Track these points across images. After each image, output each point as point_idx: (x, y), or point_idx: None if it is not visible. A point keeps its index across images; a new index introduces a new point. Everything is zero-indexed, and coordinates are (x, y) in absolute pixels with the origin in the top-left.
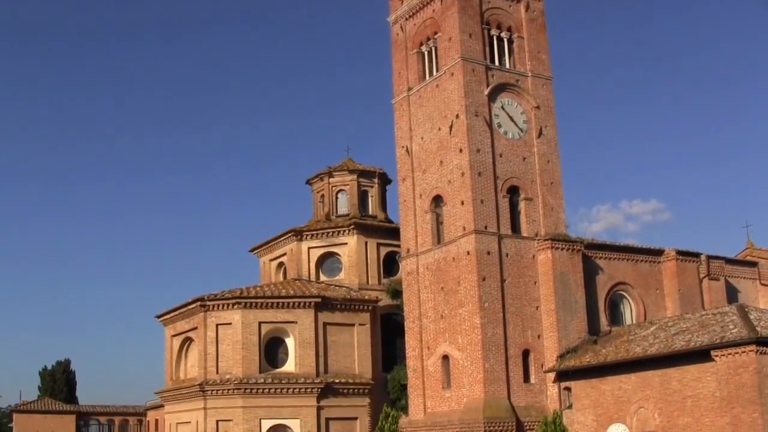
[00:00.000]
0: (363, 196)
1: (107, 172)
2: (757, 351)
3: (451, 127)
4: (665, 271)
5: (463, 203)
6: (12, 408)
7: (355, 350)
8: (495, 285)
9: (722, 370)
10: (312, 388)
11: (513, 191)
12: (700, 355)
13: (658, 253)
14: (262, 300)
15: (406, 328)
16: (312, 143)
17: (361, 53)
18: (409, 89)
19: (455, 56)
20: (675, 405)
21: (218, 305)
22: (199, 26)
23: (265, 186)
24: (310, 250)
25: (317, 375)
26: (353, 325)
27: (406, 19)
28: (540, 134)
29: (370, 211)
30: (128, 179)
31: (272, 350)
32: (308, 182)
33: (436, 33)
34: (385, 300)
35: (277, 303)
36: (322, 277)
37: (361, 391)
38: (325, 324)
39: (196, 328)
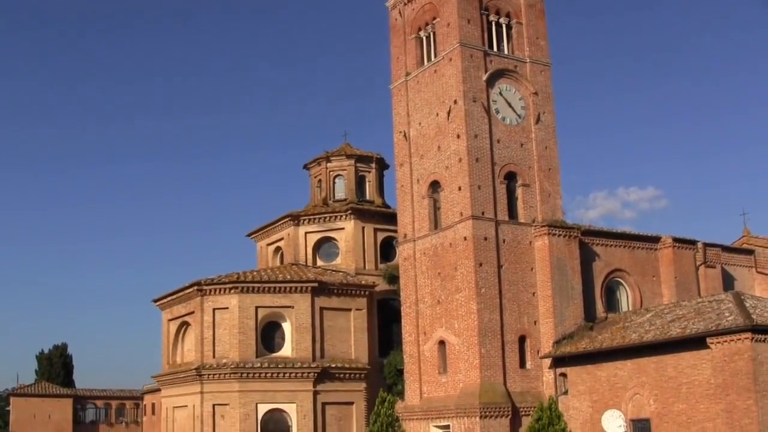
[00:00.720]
0: (360, 181)
1: (104, 157)
2: (753, 338)
3: (449, 113)
4: (662, 258)
5: (460, 189)
6: (9, 392)
7: (351, 335)
8: (492, 271)
9: (717, 358)
10: (308, 373)
11: (510, 177)
12: (696, 342)
13: (655, 240)
14: (259, 284)
15: (402, 314)
16: (310, 128)
17: (359, 38)
18: (407, 74)
19: (454, 42)
20: (670, 392)
21: (215, 290)
22: (196, 11)
23: (262, 171)
24: (307, 234)
25: (314, 360)
26: (350, 310)
27: (405, 4)
28: (538, 120)
29: (368, 197)
30: (126, 164)
31: (269, 335)
32: (306, 167)
33: (434, 18)
34: (382, 285)
35: (274, 288)
36: (319, 262)
37: (357, 375)
38: (321, 309)
39: (192, 313)
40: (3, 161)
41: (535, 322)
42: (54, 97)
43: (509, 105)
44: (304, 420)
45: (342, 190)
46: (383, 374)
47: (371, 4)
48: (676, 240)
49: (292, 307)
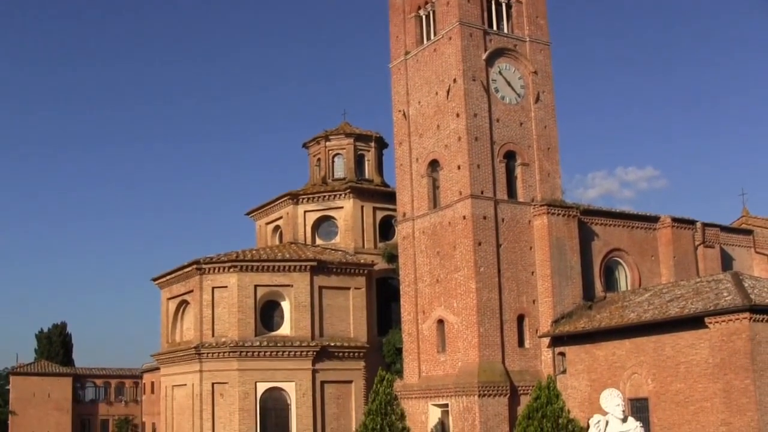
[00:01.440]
0: (359, 160)
1: (104, 138)
2: (751, 318)
3: (448, 92)
4: (661, 238)
5: (459, 168)
6: (9, 370)
7: (350, 314)
8: (491, 250)
9: (716, 337)
10: (307, 352)
11: (510, 156)
12: (694, 321)
13: (654, 219)
14: (258, 263)
15: (401, 292)
16: (309, 107)
17: (358, 16)
18: (407, 53)
19: (453, 20)
20: (668, 371)
21: (214, 268)
22: None
23: (261, 150)
24: (306, 213)
25: (312, 338)
26: (349, 288)
27: None
28: (537, 100)
29: (367, 175)
30: (125, 144)
31: (268, 313)
32: (305, 146)
33: None
34: (381, 264)
35: (273, 266)
36: (318, 241)
37: (356, 354)
38: (320, 287)
39: (192, 291)
40: (2, 141)
41: (533, 302)
42: (57, 74)
43: (509, 84)
44: (303, 398)
45: (341, 168)
46: (382, 353)
47: None
48: (675, 220)
49: (291, 286)
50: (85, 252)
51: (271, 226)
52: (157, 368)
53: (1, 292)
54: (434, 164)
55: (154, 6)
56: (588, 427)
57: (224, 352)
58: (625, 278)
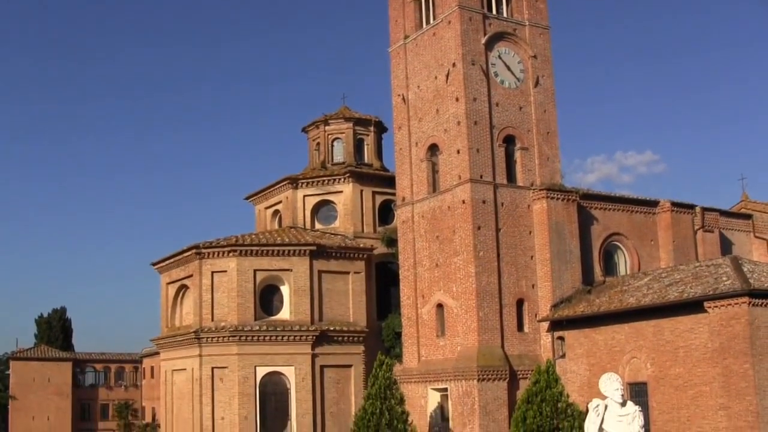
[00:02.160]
0: (359, 145)
1: (103, 124)
2: (750, 303)
3: (447, 76)
4: (660, 222)
5: (458, 152)
6: (8, 355)
7: (349, 298)
8: (490, 234)
9: (715, 322)
10: (307, 336)
11: (509, 140)
12: (693, 306)
13: (653, 204)
14: (257, 248)
15: (400, 277)
16: (308, 91)
17: (357, 0)
18: (406, 37)
19: (452, 4)
20: (667, 355)
21: (213, 253)
22: None
23: (261, 134)
24: (306, 198)
25: (312, 323)
26: (348, 273)
27: None
28: (537, 84)
29: (366, 160)
30: (124, 130)
31: (267, 298)
32: (304, 130)
33: None
34: (380, 248)
35: (272, 251)
36: (318, 225)
37: (355, 338)
38: (319, 272)
39: (191, 276)
40: (3, 130)
41: (533, 286)
42: (57, 67)
43: (508, 68)
44: (302, 383)
45: (340, 153)
46: (381, 337)
47: None
48: (674, 204)
49: (291, 270)
50: (85, 237)
51: (270, 211)
52: (157, 353)
53: (1, 278)
54: (433, 148)
55: None
56: (587, 411)
57: (224, 337)
58: (624, 262)
